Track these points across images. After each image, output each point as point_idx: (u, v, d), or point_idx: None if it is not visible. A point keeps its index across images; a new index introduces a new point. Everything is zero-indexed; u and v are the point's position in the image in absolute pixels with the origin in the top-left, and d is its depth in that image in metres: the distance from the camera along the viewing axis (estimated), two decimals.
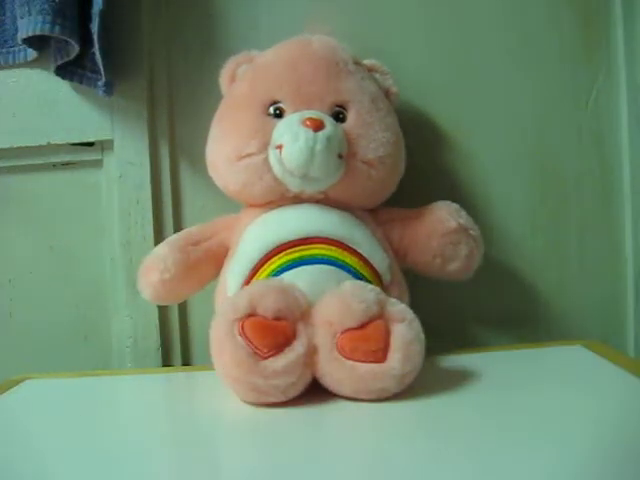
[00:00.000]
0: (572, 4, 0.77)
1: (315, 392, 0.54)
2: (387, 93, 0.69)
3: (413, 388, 0.54)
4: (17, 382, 0.67)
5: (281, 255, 0.60)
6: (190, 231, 0.69)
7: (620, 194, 0.79)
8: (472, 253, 0.67)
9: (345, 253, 0.61)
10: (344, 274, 0.59)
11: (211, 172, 0.68)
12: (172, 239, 0.68)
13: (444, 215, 0.66)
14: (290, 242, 0.60)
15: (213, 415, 0.54)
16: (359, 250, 0.62)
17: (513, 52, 0.78)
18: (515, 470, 0.40)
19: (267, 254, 0.61)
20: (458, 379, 0.58)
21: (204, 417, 0.55)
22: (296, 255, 0.60)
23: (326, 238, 0.61)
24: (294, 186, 0.62)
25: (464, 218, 0.67)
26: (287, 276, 0.59)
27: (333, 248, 0.60)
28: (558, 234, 0.79)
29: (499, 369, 0.63)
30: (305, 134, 0.59)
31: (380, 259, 0.63)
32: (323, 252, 0.60)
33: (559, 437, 0.45)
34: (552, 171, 0.79)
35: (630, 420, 0.48)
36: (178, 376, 0.72)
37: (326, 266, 0.59)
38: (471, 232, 0.67)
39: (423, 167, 0.76)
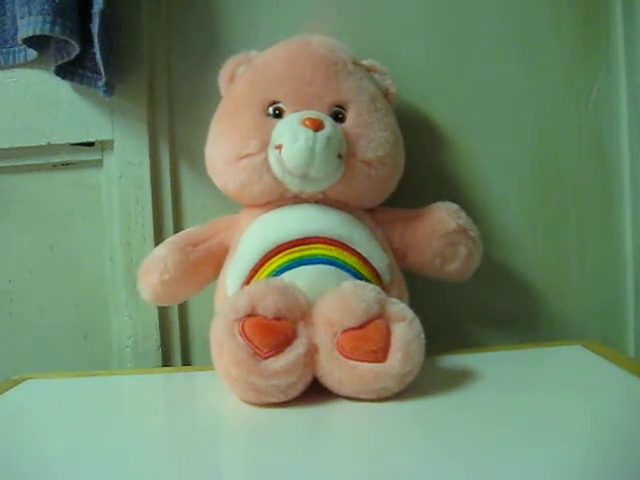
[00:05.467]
0: (572, 4, 0.77)
1: (315, 392, 0.54)
2: (386, 93, 0.69)
3: (413, 388, 0.54)
4: (17, 382, 0.67)
5: (281, 255, 0.60)
6: (190, 232, 0.70)
7: (620, 194, 0.79)
8: (471, 254, 0.67)
9: (345, 253, 0.61)
10: (344, 274, 0.59)
11: (210, 172, 0.68)
12: (172, 240, 0.68)
13: (444, 216, 0.67)
14: (290, 242, 0.60)
15: (213, 415, 0.55)
16: (359, 250, 0.61)
17: (513, 52, 0.78)
18: (515, 470, 0.40)
19: (267, 254, 0.61)
20: (458, 379, 0.58)
21: (204, 417, 0.55)
22: (296, 255, 0.60)
23: (326, 238, 0.61)
24: (293, 186, 0.62)
25: (463, 219, 0.67)
26: (287, 276, 0.59)
27: (333, 248, 0.60)
28: (558, 234, 0.79)
29: (499, 369, 0.63)
30: (305, 134, 0.59)
31: (380, 259, 0.63)
32: (323, 252, 0.60)
33: (559, 437, 0.45)
34: (552, 171, 0.79)
35: (630, 420, 0.48)
36: (178, 376, 0.72)
37: (326, 266, 0.59)
38: (470, 233, 0.67)
39: (423, 167, 0.76)
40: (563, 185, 0.79)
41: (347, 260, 0.60)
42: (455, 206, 0.68)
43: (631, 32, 0.76)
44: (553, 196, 0.79)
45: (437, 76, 0.78)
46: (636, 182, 0.78)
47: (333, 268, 0.59)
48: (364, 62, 0.69)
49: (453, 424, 0.49)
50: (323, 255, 0.60)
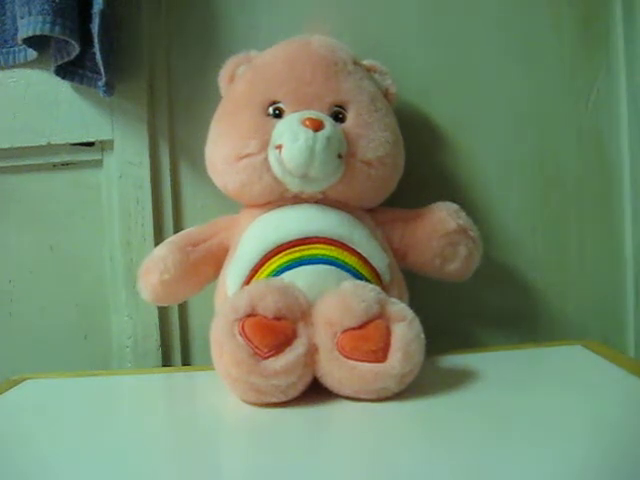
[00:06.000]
0: (572, 4, 0.77)
1: (315, 392, 0.54)
2: (386, 93, 0.69)
3: (413, 388, 0.54)
4: (17, 382, 0.67)
5: (281, 255, 0.60)
6: (190, 232, 0.70)
7: (620, 194, 0.79)
8: (471, 254, 0.67)
9: (345, 253, 0.61)
10: (344, 274, 0.59)
11: (210, 172, 0.68)
12: (172, 240, 0.68)
13: (444, 216, 0.67)
14: (290, 242, 0.60)
15: (213, 415, 0.55)
16: (358, 250, 0.61)
17: (513, 52, 0.78)
18: (515, 470, 0.40)
19: (267, 254, 0.61)
20: (458, 379, 0.58)
21: (204, 417, 0.55)
22: (296, 255, 0.60)
23: (326, 238, 0.61)
24: (293, 186, 0.62)
25: (463, 219, 0.67)
26: (287, 276, 0.59)
27: (333, 248, 0.60)
28: (558, 234, 0.79)
29: (499, 369, 0.63)
30: (305, 134, 0.59)
31: (380, 259, 0.63)
32: (323, 252, 0.60)
33: (559, 437, 0.45)
34: (552, 171, 0.79)
35: (630, 420, 0.48)
36: (178, 376, 0.72)
37: (326, 266, 0.59)
38: (470, 233, 0.67)
39: (423, 167, 0.76)
40: (563, 185, 0.79)
41: (347, 260, 0.60)
42: (455, 206, 0.68)
43: (631, 32, 0.76)
44: (553, 196, 0.79)
45: (437, 76, 0.78)
46: (636, 182, 0.78)
47: (333, 268, 0.59)
48: (364, 62, 0.69)
49: (453, 424, 0.49)
50: (323, 255, 0.60)
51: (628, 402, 0.52)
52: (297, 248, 0.60)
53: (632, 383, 0.56)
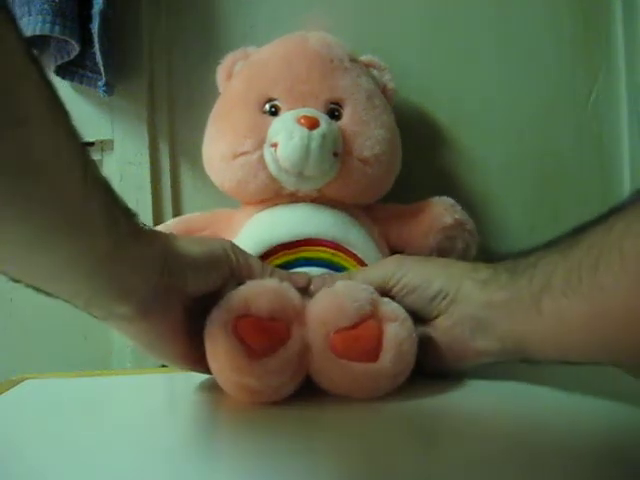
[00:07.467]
0: (572, 4, 0.77)
1: (309, 391, 0.54)
2: (384, 89, 0.69)
3: (408, 388, 0.53)
4: (17, 382, 0.67)
5: (276, 256, 0.60)
6: (188, 217, 0.71)
7: (620, 194, 0.79)
8: (469, 246, 0.68)
9: (340, 254, 0.61)
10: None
11: (208, 170, 0.68)
12: (168, 224, 0.69)
13: (440, 211, 0.67)
14: (284, 244, 0.61)
15: (213, 415, 0.55)
16: (354, 251, 0.61)
17: (513, 52, 0.78)
18: (515, 470, 0.40)
19: (261, 256, 0.60)
20: (456, 379, 0.58)
21: (204, 417, 0.55)
22: (290, 257, 0.60)
23: (320, 240, 0.61)
24: (289, 184, 0.62)
25: (459, 213, 0.67)
26: None
27: (328, 250, 0.61)
28: (557, 233, 0.78)
29: (498, 369, 0.62)
30: (300, 132, 0.59)
31: (376, 259, 0.62)
32: (317, 254, 0.60)
33: (559, 438, 0.44)
34: (551, 171, 0.79)
35: (630, 421, 0.48)
36: (178, 376, 0.72)
37: (321, 269, 0.60)
38: (467, 227, 0.67)
39: (421, 165, 0.76)
40: (562, 185, 0.79)
41: (342, 262, 0.60)
42: (451, 200, 0.68)
43: (631, 32, 0.76)
44: (552, 195, 0.79)
45: (437, 75, 0.78)
46: (636, 182, 0.77)
47: (327, 271, 0.60)
48: (362, 58, 0.69)
49: (451, 424, 0.49)
50: (318, 257, 0.60)
51: (628, 403, 0.52)
52: (292, 250, 0.60)
53: (632, 383, 0.56)
